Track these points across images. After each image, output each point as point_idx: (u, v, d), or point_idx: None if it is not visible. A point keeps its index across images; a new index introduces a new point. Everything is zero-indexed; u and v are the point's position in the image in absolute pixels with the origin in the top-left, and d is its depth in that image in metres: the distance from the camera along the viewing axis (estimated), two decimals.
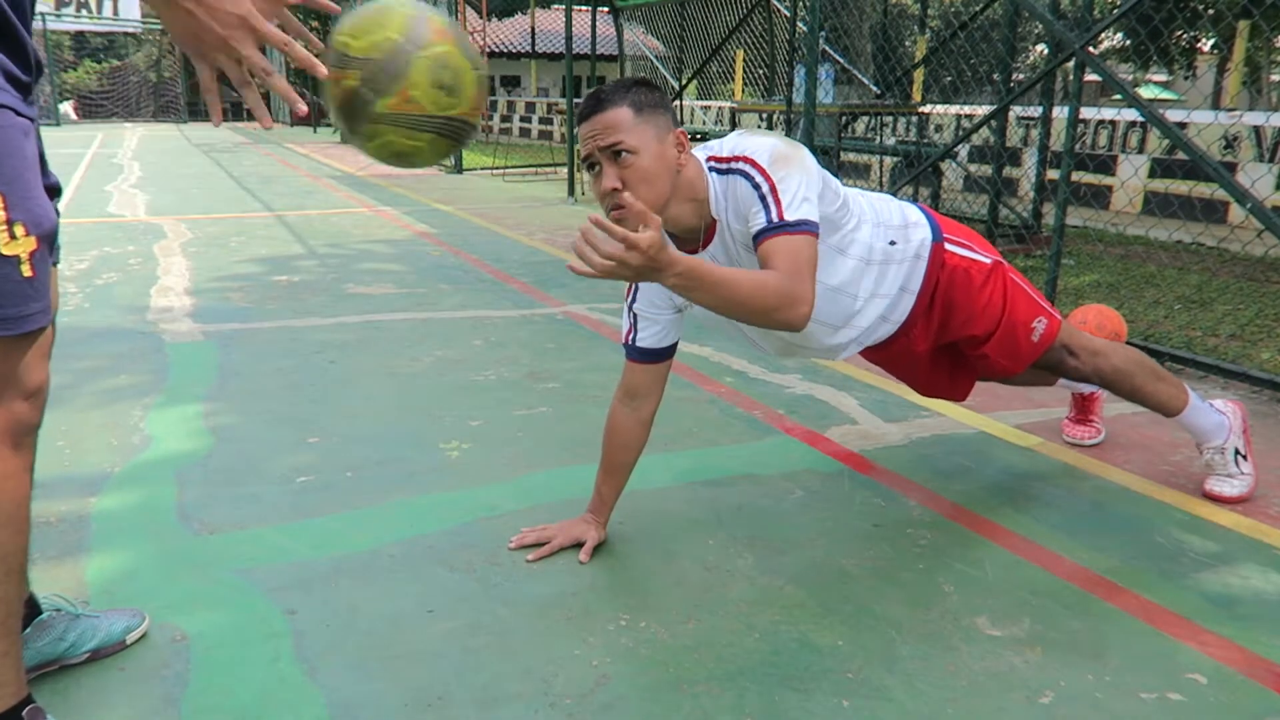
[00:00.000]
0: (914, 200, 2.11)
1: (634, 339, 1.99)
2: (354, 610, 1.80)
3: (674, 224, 1.80)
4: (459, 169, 11.42)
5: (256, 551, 2.03)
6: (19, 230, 1.21)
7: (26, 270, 1.23)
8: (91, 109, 29.26)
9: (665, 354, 2.00)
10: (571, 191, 8.85)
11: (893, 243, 1.99)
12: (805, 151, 1.77)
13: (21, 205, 1.22)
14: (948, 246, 2.06)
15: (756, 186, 1.71)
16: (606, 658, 1.67)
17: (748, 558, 2.03)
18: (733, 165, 1.75)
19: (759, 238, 1.69)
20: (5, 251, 1.20)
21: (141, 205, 7.99)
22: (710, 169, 1.79)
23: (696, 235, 1.84)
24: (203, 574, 1.93)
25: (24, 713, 1.37)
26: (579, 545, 2.03)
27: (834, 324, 1.99)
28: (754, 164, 1.71)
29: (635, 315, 1.98)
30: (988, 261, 2.09)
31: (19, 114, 1.22)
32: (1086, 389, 2.66)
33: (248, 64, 1.16)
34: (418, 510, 2.24)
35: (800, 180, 1.71)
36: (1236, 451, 2.30)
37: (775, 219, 1.67)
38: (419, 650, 1.68)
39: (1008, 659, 1.67)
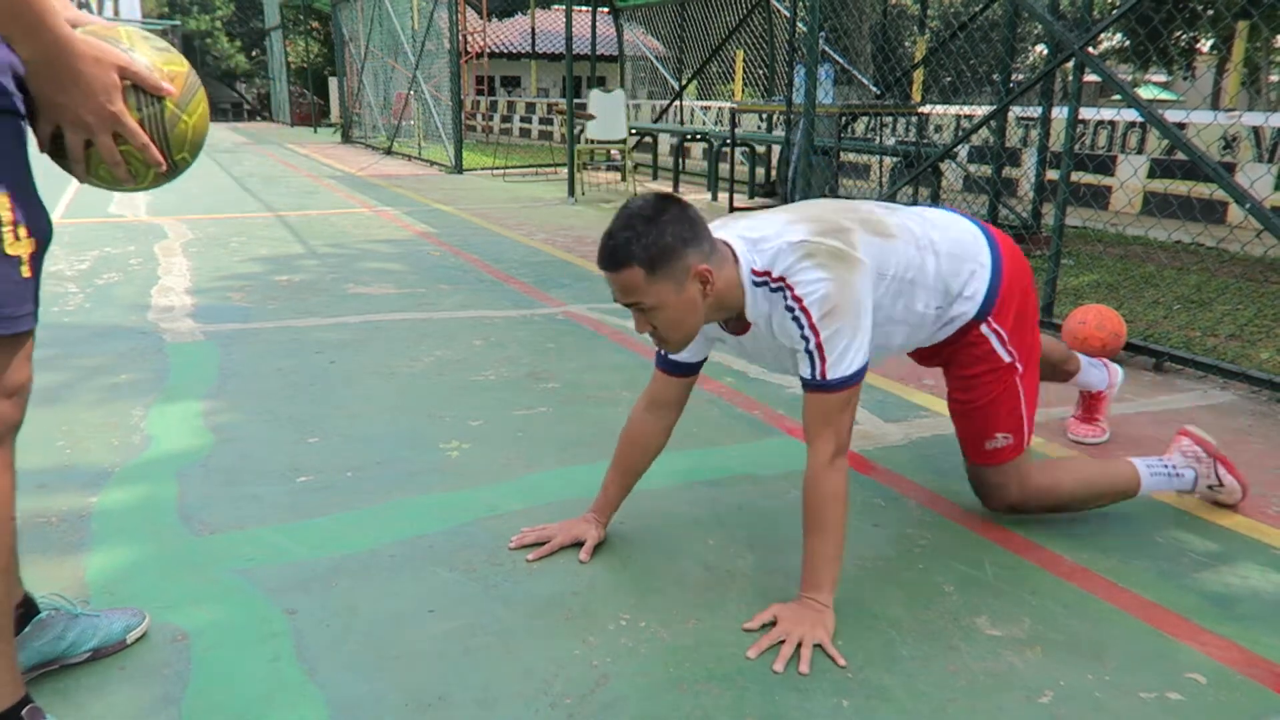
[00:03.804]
0: (993, 251, 2.02)
1: (665, 350, 1.98)
2: (354, 610, 1.81)
3: (713, 320, 1.84)
4: (459, 169, 11.41)
5: (256, 551, 2.03)
6: (21, 232, 1.24)
7: (25, 271, 1.26)
8: None
9: (693, 369, 2.01)
10: (571, 191, 8.85)
11: (938, 307, 1.97)
12: (857, 282, 1.73)
13: (25, 208, 1.24)
14: (982, 329, 2.01)
15: (805, 338, 1.72)
16: (606, 658, 1.67)
17: (748, 558, 2.03)
18: (785, 297, 1.73)
19: (803, 384, 1.76)
20: (9, 251, 1.23)
21: (142, 205, 7.99)
22: (752, 282, 1.76)
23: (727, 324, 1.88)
24: (203, 574, 1.93)
25: (23, 713, 1.37)
26: (579, 545, 2.03)
27: None
28: (805, 311, 1.71)
29: None
30: (1006, 360, 2.03)
31: (20, 116, 1.23)
32: (1095, 387, 2.66)
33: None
34: (418, 510, 2.24)
35: (849, 332, 1.71)
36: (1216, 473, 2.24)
37: (819, 377, 1.73)
38: (419, 650, 1.68)
39: (1007, 659, 1.67)
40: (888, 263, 1.85)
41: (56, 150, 1.29)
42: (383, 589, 1.89)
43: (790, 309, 1.73)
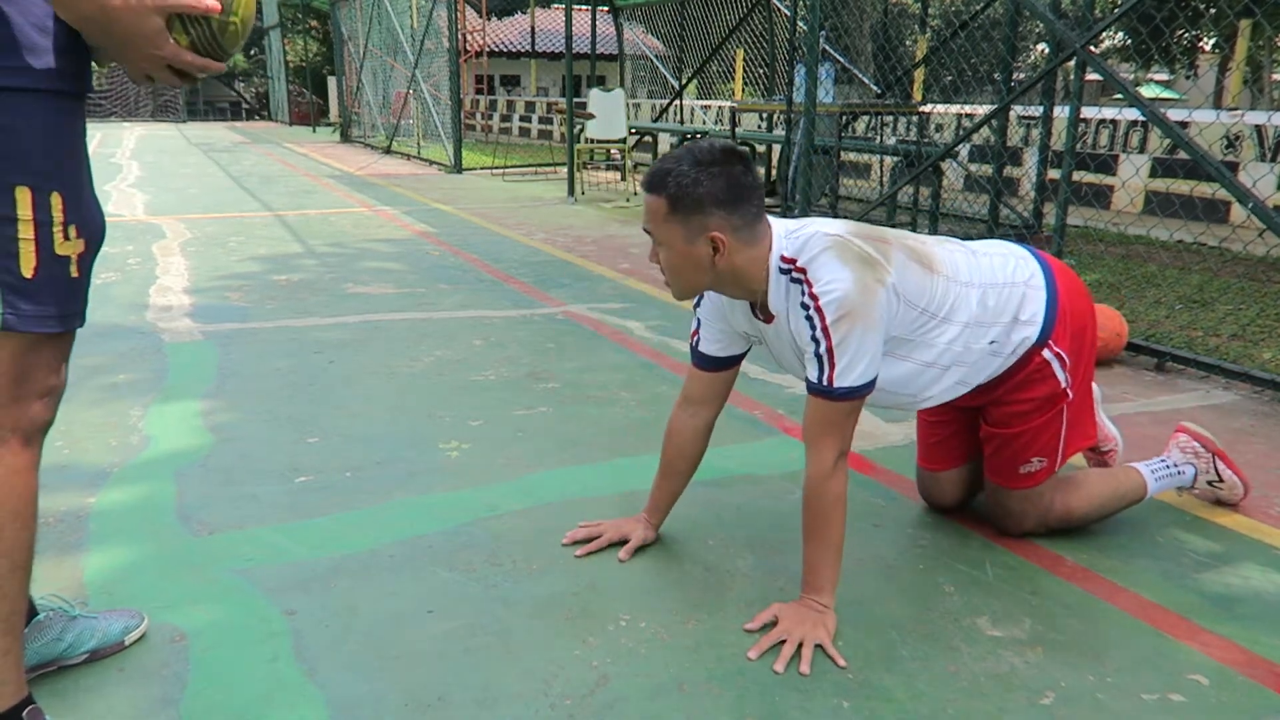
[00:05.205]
0: (1047, 278, 1.95)
1: (697, 342, 1.97)
2: (354, 610, 1.80)
3: (732, 295, 1.82)
4: (458, 168, 11.41)
5: (255, 551, 2.02)
6: (72, 232, 1.27)
7: (74, 271, 1.29)
8: (90, 108, 29.23)
9: (725, 364, 1.97)
10: (571, 191, 8.84)
11: (992, 342, 1.89)
12: (876, 294, 1.69)
13: (78, 208, 1.27)
14: (1045, 354, 1.92)
15: (816, 340, 1.68)
16: (606, 658, 1.66)
17: (748, 558, 2.03)
18: (803, 292, 1.69)
19: (809, 387, 1.74)
20: (59, 251, 1.25)
21: (140, 205, 7.99)
22: (779, 269, 1.74)
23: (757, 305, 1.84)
24: (202, 574, 1.93)
25: (24, 713, 1.37)
26: (625, 542, 2.03)
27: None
28: (819, 311, 1.67)
29: (699, 320, 1.96)
30: (1062, 386, 1.95)
31: (78, 96, 1.26)
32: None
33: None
34: (418, 510, 2.23)
35: (860, 340, 1.67)
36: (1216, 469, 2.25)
37: (825, 383, 1.69)
38: (419, 650, 1.68)
39: (1008, 659, 1.67)
40: (921, 294, 1.79)
41: None
42: (383, 589, 1.88)
43: (805, 306, 1.69)
